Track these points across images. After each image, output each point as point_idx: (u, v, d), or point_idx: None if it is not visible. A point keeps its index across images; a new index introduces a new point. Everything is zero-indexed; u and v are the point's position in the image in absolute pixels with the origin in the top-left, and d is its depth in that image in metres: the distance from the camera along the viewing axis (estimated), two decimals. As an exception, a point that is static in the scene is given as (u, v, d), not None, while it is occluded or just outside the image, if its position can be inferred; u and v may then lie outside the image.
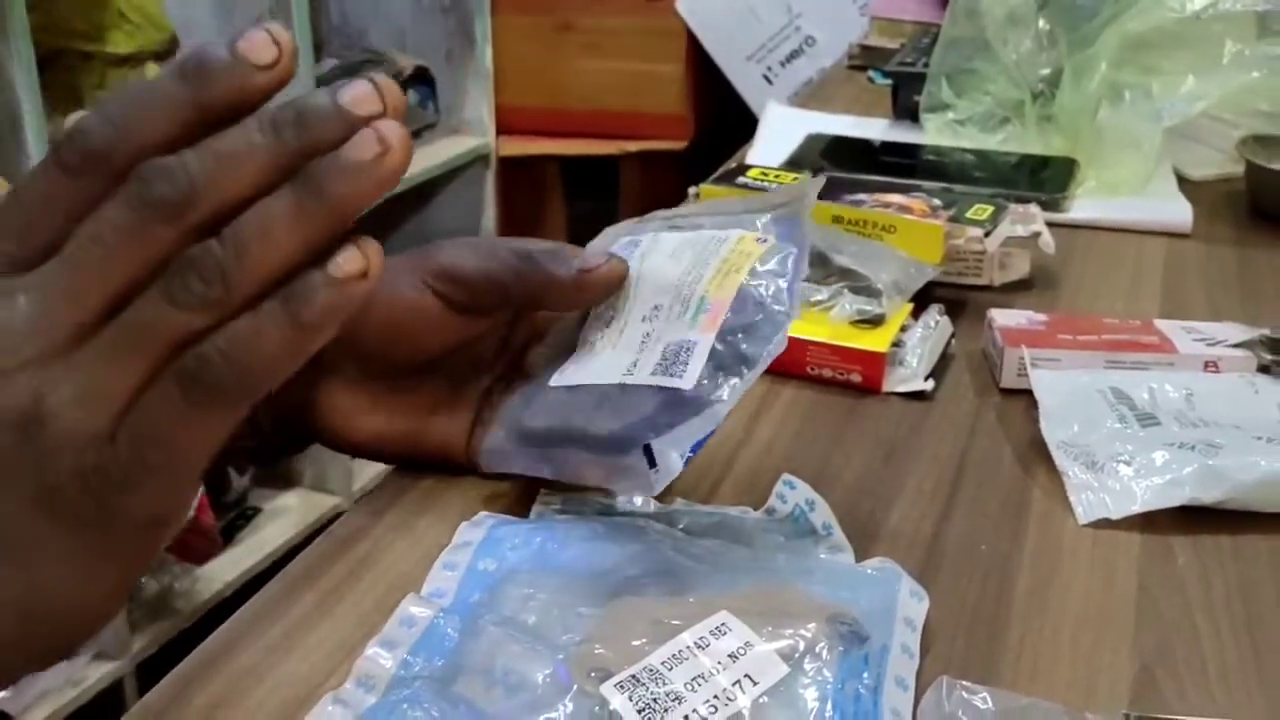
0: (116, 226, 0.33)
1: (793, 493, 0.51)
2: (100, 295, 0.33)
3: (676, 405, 0.46)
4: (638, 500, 0.51)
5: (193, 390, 0.33)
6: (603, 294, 0.51)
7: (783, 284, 0.47)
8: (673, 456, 0.45)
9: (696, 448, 0.45)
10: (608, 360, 0.49)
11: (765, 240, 0.49)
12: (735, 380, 0.46)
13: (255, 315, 0.34)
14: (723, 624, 0.41)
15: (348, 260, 0.34)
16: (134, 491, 0.34)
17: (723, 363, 0.46)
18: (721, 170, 0.83)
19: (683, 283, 0.49)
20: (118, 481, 0.34)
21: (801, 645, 0.40)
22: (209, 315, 0.33)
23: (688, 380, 0.46)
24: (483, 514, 0.49)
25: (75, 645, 0.36)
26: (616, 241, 0.54)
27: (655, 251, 0.51)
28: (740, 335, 0.46)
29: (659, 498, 0.52)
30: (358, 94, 0.34)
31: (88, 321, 0.33)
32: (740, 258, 0.48)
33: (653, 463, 0.45)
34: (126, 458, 0.33)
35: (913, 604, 0.45)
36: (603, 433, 0.47)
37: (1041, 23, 0.93)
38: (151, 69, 1.66)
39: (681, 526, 0.49)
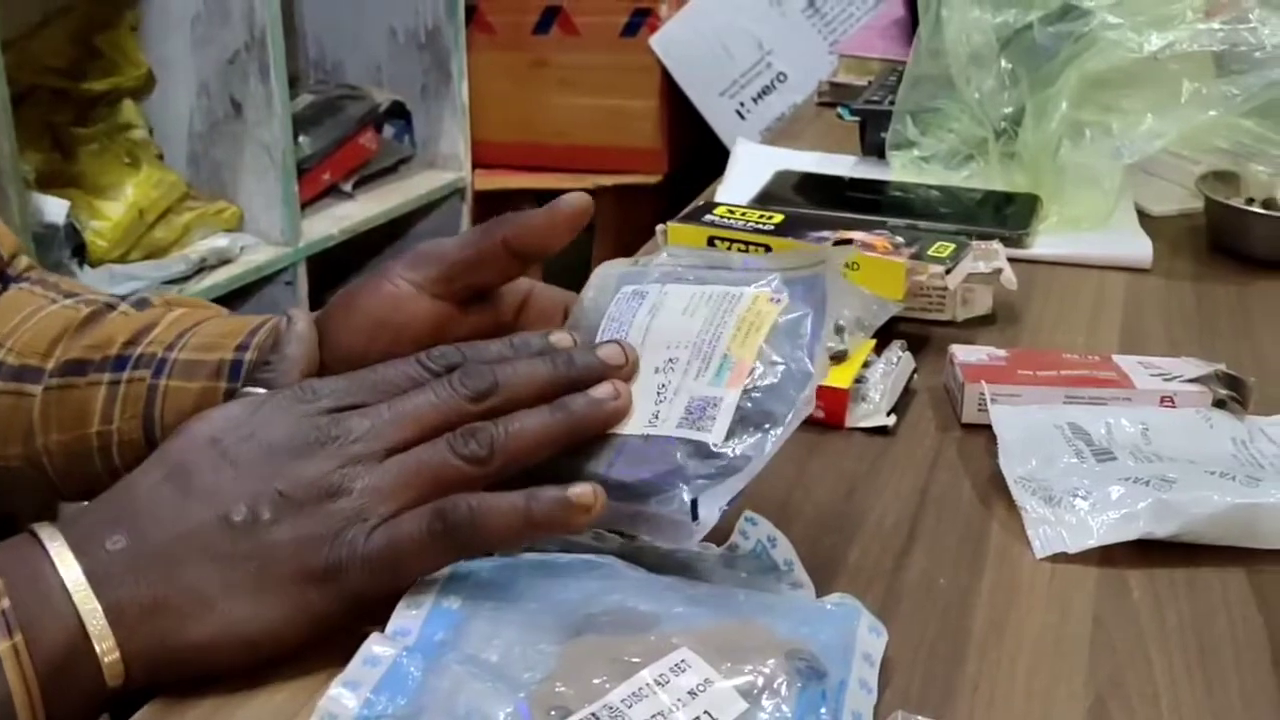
0: (442, 396, 0.47)
1: (754, 529, 0.51)
2: (414, 433, 0.46)
3: (705, 458, 0.47)
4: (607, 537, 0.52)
5: (438, 522, 0.44)
6: (573, 224, 0.54)
7: (803, 345, 0.49)
8: (713, 511, 0.46)
9: (731, 502, 0.47)
10: None
11: (779, 300, 0.51)
12: (767, 438, 0.47)
13: (502, 496, 0.45)
14: (682, 660, 0.41)
15: (580, 493, 0.45)
16: (362, 573, 0.44)
17: (749, 419, 0.48)
18: (689, 208, 0.84)
19: (701, 340, 0.50)
20: (358, 560, 0.44)
21: (760, 681, 0.41)
22: (472, 467, 0.46)
23: (716, 434, 0.47)
24: (448, 552, 0.50)
25: (237, 669, 0.44)
26: (619, 291, 0.55)
27: (665, 306, 0.53)
28: (764, 394, 0.48)
29: (623, 535, 0.52)
30: (612, 353, 0.50)
31: (393, 448, 0.46)
32: (758, 317, 0.50)
33: (695, 515, 0.46)
34: (374, 549, 0.44)
35: (871, 639, 0.45)
36: (629, 479, 0.48)
37: (1004, 62, 0.95)
38: (127, 106, 1.67)
39: (644, 563, 0.50)
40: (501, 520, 0.45)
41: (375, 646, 0.42)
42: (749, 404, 0.48)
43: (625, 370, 0.50)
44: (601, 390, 0.49)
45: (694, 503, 0.46)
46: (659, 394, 0.50)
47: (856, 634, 0.45)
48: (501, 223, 0.55)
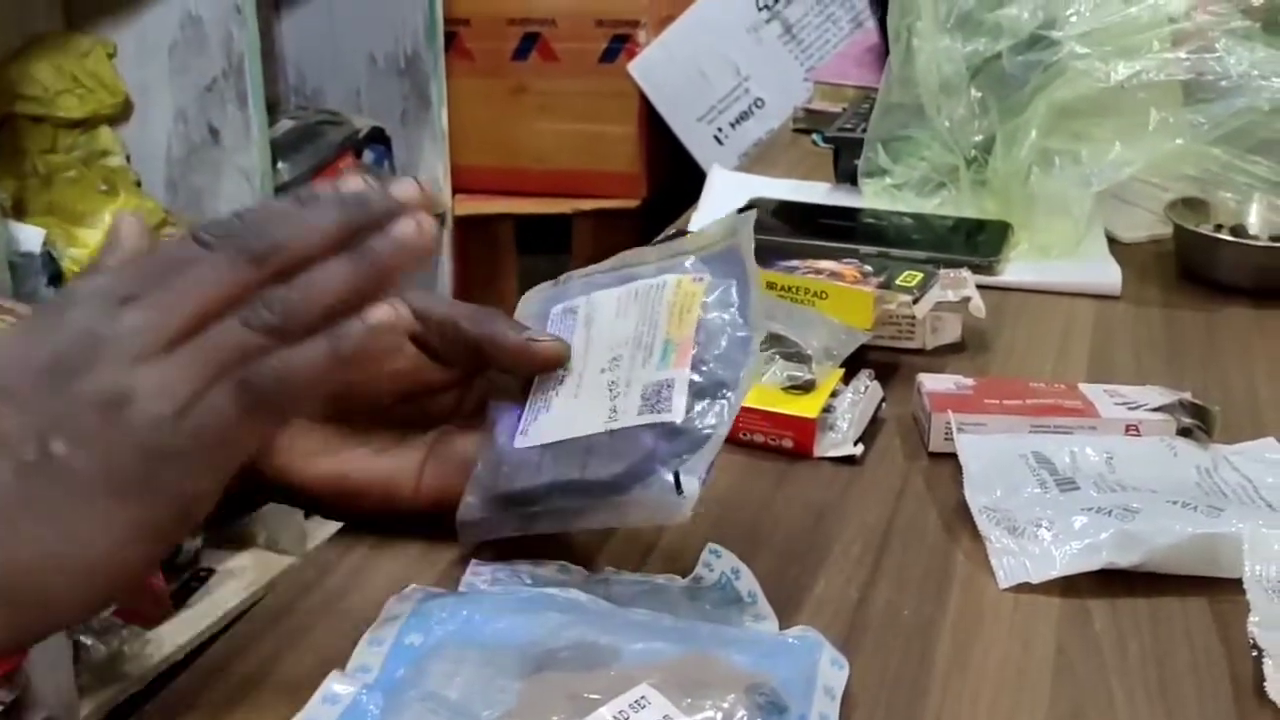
0: (215, 265, 0.42)
1: (718, 561, 0.52)
2: (197, 315, 0.42)
3: (673, 436, 0.49)
4: (569, 570, 0.52)
5: (245, 393, 0.42)
6: (540, 367, 0.54)
7: (734, 310, 0.51)
8: (694, 482, 0.48)
9: (708, 471, 0.49)
10: (575, 413, 0.52)
11: (701, 279, 0.53)
12: (723, 404, 0.49)
13: (304, 345, 0.42)
14: (642, 697, 0.41)
15: (381, 313, 0.43)
16: (180, 471, 0.41)
17: (704, 391, 0.50)
18: (661, 236, 0.85)
19: (639, 333, 0.52)
20: (170, 460, 0.41)
21: (720, 717, 0.41)
22: (271, 338, 0.42)
23: (677, 412, 0.49)
24: (411, 586, 0.50)
25: (93, 607, 0.43)
26: (550, 310, 0.56)
27: (598, 314, 0.55)
28: (712, 364, 0.50)
29: (589, 567, 0.53)
30: (407, 189, 0.45)
31: (176, 337, 0.42)
32: (687, 298, 0.52)
33: (679, 490, 0.48)
34: (183, 442, 0.41)
35: (833, 672, 0.45)
36: (606, 477, 0.49)
37: (974, 91, 0.96)
38: (104, 133, 1.67)
39: (609, 596, 0.50)
40: (310, 369, 0.42)
41: (335, 685, 0.42)
42: (699, 377, 0.50)
43: (423, 204, 0.45)
44: (401, 227, 0.44)
45: (676, 476, 0.48)
46: (611, 390, 0.52)
47: (818, 667, 0.45)
48: (490, 317, 0.54)
